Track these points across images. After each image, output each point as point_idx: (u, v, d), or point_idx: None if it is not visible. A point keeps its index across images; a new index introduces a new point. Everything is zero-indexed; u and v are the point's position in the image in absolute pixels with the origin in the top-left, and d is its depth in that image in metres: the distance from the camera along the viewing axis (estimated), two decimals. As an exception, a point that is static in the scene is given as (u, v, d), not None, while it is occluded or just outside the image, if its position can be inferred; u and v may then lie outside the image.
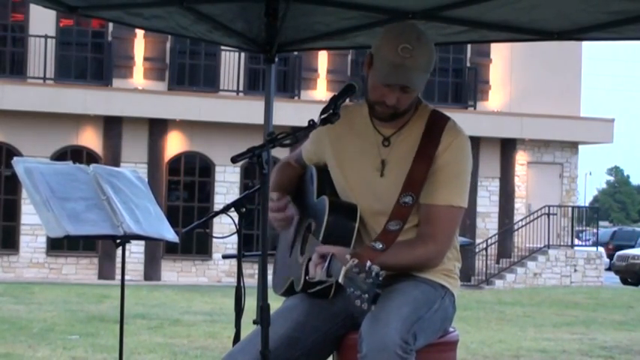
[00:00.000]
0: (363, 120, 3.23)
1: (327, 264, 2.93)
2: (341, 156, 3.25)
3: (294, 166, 3.49)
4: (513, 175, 26.13)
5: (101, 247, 22.77)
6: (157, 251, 23.28)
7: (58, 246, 22.77)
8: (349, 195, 3.22)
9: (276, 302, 3.19)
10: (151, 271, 23.22)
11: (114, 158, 22.73)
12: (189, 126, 23.65)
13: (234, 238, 3.26)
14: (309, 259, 3.10)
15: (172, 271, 23.71)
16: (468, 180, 3.18)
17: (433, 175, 3.11)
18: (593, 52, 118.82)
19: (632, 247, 33.72)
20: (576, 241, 27.90)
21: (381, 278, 2.63)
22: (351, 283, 2.69)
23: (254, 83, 24.38)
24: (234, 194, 23.40)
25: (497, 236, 25.55)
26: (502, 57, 26.11)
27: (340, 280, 2.75)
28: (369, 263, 2.67)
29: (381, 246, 2.99)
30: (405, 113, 3.17)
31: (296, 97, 24.48)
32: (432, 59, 3.14)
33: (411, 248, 3.08)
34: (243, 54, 23.48)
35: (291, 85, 24.66)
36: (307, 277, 3.05)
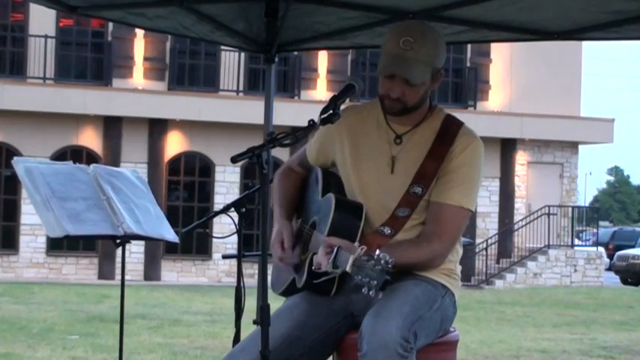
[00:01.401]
0: (376, 118, 3.24)
1: (333, 256, 2.93)
2: (355, 154, 3.24)
3: (297, 171, 3.48)
4: (513, 175, 26.13)
5: (101, 247, 22.76)
6: (156, 251, 23.28)
7: (58, 246, 22.76)
8: (359, 193, 3.21)
9: (276, 302, 3.19)
10: (151, 271, 23.22)
11: (114, 158, 22.72)
12: (189, 126, 23.65)
13: (234, 238, 3.26)
14: (314, 255, 3.11)
15: (172, 271, 23.71)
16: (479, 184, 3.20)
17: (447, 175, 3.12)
18: (593, 52, 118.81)
19: (632, 247, 33.70)
20: (576, 241, 27.88)
21: (390, 265, 2.65)
22: (359, 271, 2.71)
23: (254, 83, 24.37)
24: (234, 194, 23.39)
25: (497, 236, 25.54)
26: (502, 57, 26.11)
27: (348, 268, 2.76)
28: (377, 251, 2.69)
29: (389, 231, 3.01)
30: (417, 108, 3.16)
31: (296, 97, 24.47)
32: (438, 53, 3.13)
33: (416, 247, 3.09)
34: (243, 54, 23.47)
35: (291, 85, 24.66)
36: (313, 267, 3.05)
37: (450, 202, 3.11)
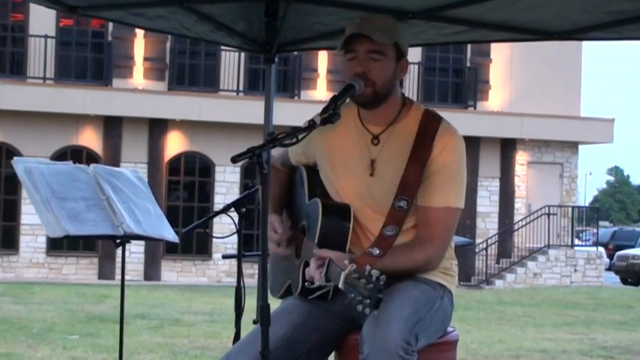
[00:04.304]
0: (352, 119, 3.22)
1: (325, 269, 2.92)
2: (331, 156, 3.24)
3: (280, 169, 3.47)
4: (513, 175, 26.13)
5: (101, 247, 22.76)
6: (156, 251, 23.28)
7: (58, 246, 22.76)
8: (341, 195, 3.21)
9: (276, 302, 3.19)
10: (151, 271, 23.22)
11: (114, 158, 22.72)
12: (189, 126, 23.65)
13: (234, 238, 3.27)
14: (306, 263, 3.09)
15: (172, 271, 23.71)
16: (464, 180, 3.18)
17: (430, 177, 3.11)
18: (593, 52, 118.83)
19: (632, 247, 33.70)
20: (576, 241, 27.89)
21: (382, 283, 2.62)
22: (351, 289, 2.68)
23: (254, 83, 24.37)
24: (234, 194, 23.38)
25: (497, 236, 25.54)
26: (502, 57, 26.11)
27: (340, 285, 2.74)
28: (368, 268, 2.66)
29: (378, 252, 2.99)
30: (387, 96, 3.14)
31: (296, 97, 24.47)
32: (398, 29, 3.17)
33: (410, 252, 3.08)
34: (243, 54, 23.47)
35: (291, 85, 24.66)
36: (306, 284, 3.04)
37: (438, 204, 3.11)
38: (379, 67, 3.10)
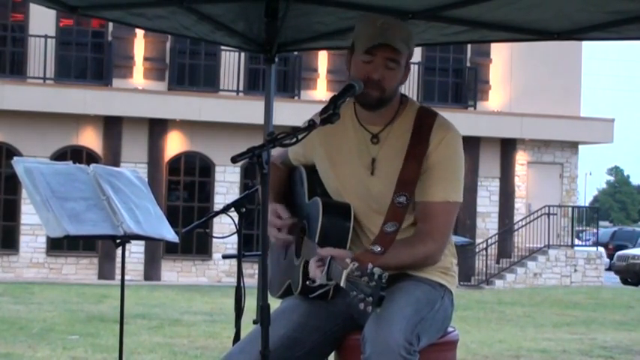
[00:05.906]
0: (349, 119, 3.23)
1: (326, 267, 2.92)
2: (331, 156, 3.24)
3: (280, 167, 3.47)
4: (513, 175, 26.14)
5: (101, 247, 22.76)
6: (156, 251, 23.28)
7: (58, 246, 22.76)
8: (341, 195, 3.21)
9: (276, 302, 3.19)
10: (151, 271, 23.22)
11: (114, 158, 22.72)
12: (189, 126, 23.65)
13: (234, 238, 3.27)
14: (306, 262, 3.09)
15: (172, 271, 23.71)
16: (462, 174, 3.18)
17: (427, 172, 3.11)
18: (593, 52, 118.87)
19: (633, 247, 33.70)
20: (576, 241, 27.89)
21: (384, 280, 2.62)
22: (353, 287, 2.68)
23: (254, 83, 24.37)
24: (234, 194, 23.39)
25: (497, 236, 25.54)
26: (502, 57, 26.11)
27: (342, 284, 2.73)
28: (370, 266, 2.66)
29: (379, 249, 3.00)
30: (389, 101, 3.14)
31: (296, 97, 24.47)
32: (411, 38, 3.15)
33: (410, 247, 3.08)
34: (243, 54, 23.48)
35: (291, 85, 24.66)
36: (307, 282, 3.04)
37: (436, 199, 3.11)
38: (393, 76, 3.10)
